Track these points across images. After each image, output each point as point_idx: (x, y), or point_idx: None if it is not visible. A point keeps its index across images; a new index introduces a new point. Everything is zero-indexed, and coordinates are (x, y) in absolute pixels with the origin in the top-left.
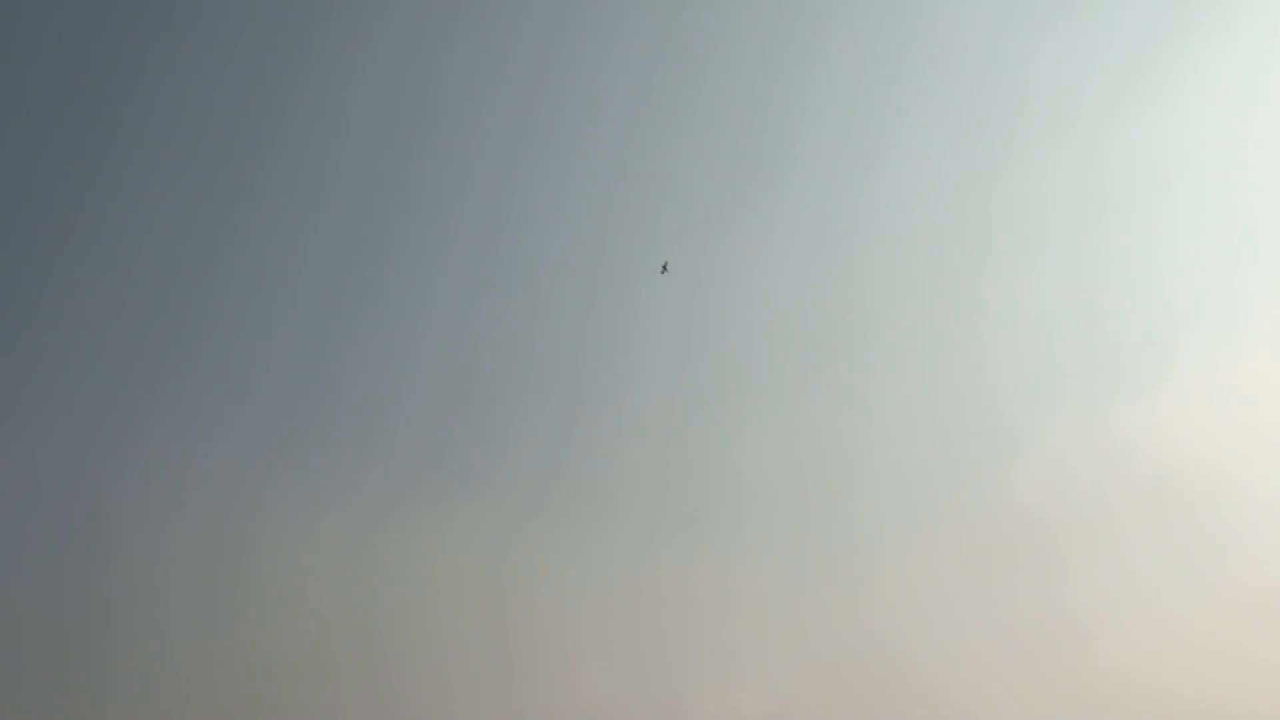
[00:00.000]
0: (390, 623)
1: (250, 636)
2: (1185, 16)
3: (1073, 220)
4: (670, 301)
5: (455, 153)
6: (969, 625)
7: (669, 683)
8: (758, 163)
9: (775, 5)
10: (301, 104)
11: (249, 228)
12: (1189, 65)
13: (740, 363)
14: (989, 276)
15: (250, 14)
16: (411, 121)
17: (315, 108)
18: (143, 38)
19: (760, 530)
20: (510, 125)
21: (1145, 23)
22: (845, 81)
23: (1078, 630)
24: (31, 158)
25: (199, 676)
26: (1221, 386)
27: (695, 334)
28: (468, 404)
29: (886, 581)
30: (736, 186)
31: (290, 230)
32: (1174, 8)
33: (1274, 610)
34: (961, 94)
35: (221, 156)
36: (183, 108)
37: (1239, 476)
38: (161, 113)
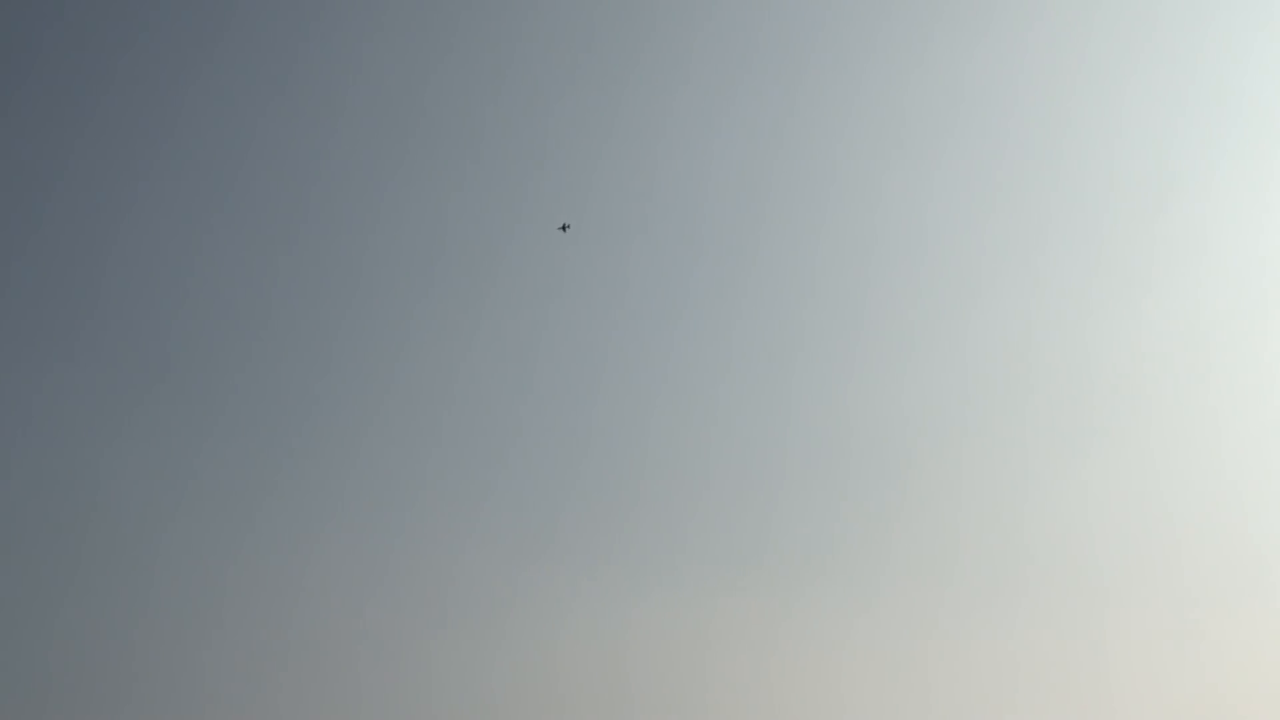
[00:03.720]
0: (660, 703)
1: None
2: None
3: None
4: (957, 360)
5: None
6: None
7: None
8: (1030, 211)
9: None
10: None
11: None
12: None
13: (1029, 419)
14: None
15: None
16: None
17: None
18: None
19: (1060, 596)
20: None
21: None
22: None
23: None
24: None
25: None
26: None
27: (985, 390)
28: (742, 477)
29: (1210, 647)
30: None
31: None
32: None
33: None
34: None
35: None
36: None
37: None
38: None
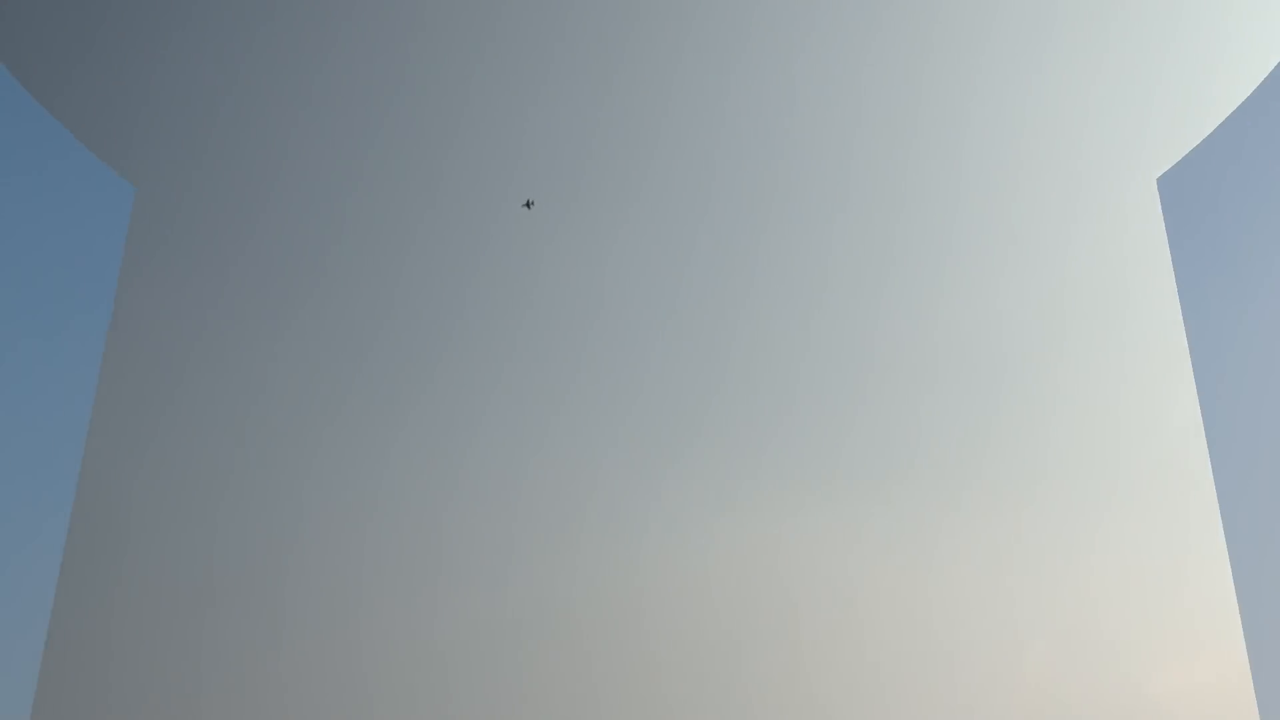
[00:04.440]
0: (799, 625)
1: (628, 640)
2: None
3: None
4: (1042, 295)
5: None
6: None
7: (1120, 656)
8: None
9: None
10: None
11: None
12: None
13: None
14: None
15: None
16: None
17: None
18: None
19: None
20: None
21: None
22: None
23: None
24: None
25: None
26: None
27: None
28: (874, 399)
29: None
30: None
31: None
32: None
33: None
34: None
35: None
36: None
37: None
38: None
